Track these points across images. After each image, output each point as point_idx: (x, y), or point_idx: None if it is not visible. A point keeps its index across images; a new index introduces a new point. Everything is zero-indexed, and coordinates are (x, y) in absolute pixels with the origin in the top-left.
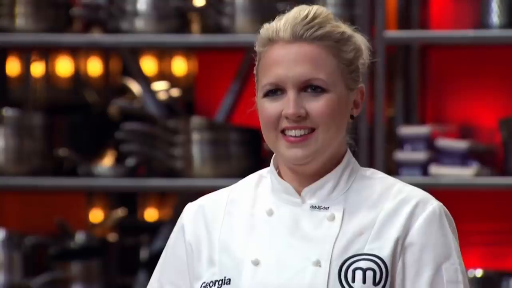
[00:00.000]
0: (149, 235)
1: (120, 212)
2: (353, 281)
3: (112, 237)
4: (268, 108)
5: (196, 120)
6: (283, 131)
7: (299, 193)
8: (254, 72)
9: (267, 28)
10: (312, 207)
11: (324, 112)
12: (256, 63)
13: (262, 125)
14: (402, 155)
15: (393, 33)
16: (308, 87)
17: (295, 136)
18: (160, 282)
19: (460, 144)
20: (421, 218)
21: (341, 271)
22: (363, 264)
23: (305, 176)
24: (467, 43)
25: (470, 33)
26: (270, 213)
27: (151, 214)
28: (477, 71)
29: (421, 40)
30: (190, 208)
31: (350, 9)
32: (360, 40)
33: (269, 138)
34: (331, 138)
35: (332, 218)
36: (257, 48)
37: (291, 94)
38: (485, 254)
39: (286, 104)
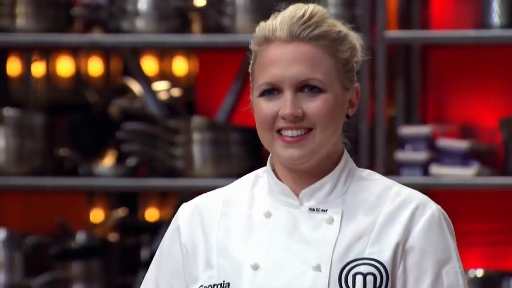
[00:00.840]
0: (150, 235)
1: (120, 212)
2: (354, 286)
3: (112, 237)
4: (264, 107)
5: (196, 120)
6: (279, 131)
7: (296, 194)
8: (249, 71)
9: (263, 27)
10: (310, 209)
11: (321, 112)
12: (251, 61)
13: (257, 124)
14: (403, 155)
15: (393, 33)
16: (305, 87)
17: (292, 136)
18: (157, 282)
19: (460, 144)
20: (421, 222)
21: (341, 275)
22: (363, 268)
23: (301, 175)
24: (468, 43)
25: (471, 33)
26: (268, 215)
27: (151, 214)
28: (478, 71)
29: (422, 40)
30: (186, 208)
31: (351, 9)
32: (355, 38)
33: (265, 138)
34: (328, 138)
35: (331, 221)
36: (252, 47)
37: (288, 94)
38: (486, 254)
39: (282, 104)
